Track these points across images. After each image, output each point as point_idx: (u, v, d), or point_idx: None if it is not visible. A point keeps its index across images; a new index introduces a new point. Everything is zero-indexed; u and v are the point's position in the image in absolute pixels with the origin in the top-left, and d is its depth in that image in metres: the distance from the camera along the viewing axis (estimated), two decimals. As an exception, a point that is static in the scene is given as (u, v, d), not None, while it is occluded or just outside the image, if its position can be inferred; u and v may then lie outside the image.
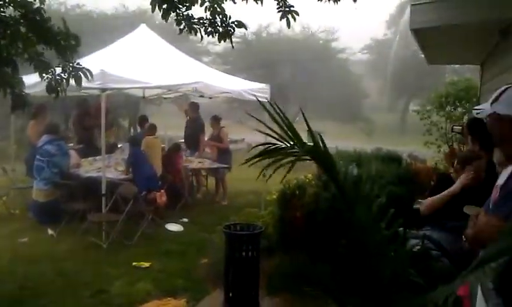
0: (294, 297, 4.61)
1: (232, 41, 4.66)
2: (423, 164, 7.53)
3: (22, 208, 8.21)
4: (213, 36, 4.59)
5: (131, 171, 7.81)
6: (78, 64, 4.53)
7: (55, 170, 7.66)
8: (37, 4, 4.29)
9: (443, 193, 3.82)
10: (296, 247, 5.29)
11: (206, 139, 10.34)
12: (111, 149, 9.10)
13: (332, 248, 2.19)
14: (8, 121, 9.76)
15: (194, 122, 10.29)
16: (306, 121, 2.06)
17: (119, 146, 9.75)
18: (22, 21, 4.23)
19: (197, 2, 4.43)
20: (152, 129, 8.90)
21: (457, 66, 20.61)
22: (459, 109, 8.61)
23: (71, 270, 5.68)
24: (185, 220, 7.98)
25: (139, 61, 8.16)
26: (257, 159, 2.03)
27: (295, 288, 4.61)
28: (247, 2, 4.41)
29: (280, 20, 4.40)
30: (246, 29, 4.90)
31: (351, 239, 2.14)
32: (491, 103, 2.25)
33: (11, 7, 4.25)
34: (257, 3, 4.40)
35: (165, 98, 11.70)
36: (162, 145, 9.62)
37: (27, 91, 4.69)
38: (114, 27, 18.45)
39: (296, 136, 1.95)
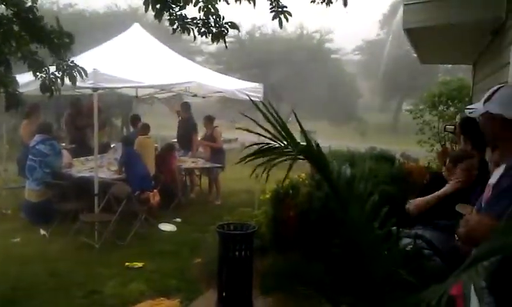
0: (288, 297, 4.62)
1: (225, 42, 4.66)
2: (415, 163, 7.56)
3: (14, 208, 8.16)
4: (206, 37, 4.59)
5: (124, 171, 7.78)
6: (72, 62, 4.51)
7: (47, 170, 7.61)
8: (29, 3, 4.26)
9: (431, 195, 3.85)
10: (289, 246, 5.30)
11: (199, 138, 10.34)
12: (104, 149, 9.06)
13: (325, 247, 2.19)
14: (0, 121, 9.70)
15: (186, 122, 10.28)
16: (298, 121, 2.07)
17: (112, 145, 9.71)
18: (14, 20, 4.21)
19: (191, 2, 4.42)
20: (145, 129, 8.87)
21: (450, 65, 20.73)
22: (452, 109, 8.65)
23: (63, 270, 5.65)
24: (179, 220, 7.97)
25: (132, 60, 8.13)
26: (251, 158, 2.03)
27: (288, 287, 4.62)
28: (240, 2, 4.42)
29: (273, 20, 4.41)
30: (239, 30, 4.92)
31: (344, 238, 2.15)
32: (484, 103, 2.27)
33: (3, 6, 4.23)
34: (250, 3, 4.40)
35: (158, 98, 11.68)
36: (155, 145, 9.60)
37: (20, 90, 4.66)
38: (106, 26, 18.41)
39: (289, 136, 1.96)
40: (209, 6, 4.39)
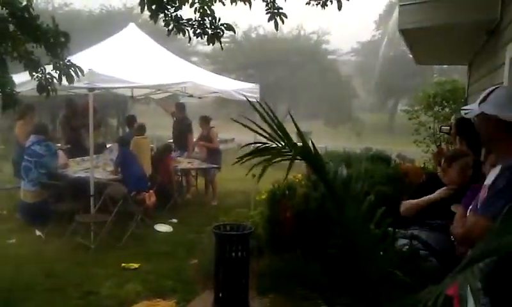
0: (284, 297, 4.61)
1: (220, 43, 4.66)
2: (411, 163, 7.59)
3: (10, 208, 8.13)
4: (202, 38, 4.59)
5: (120, 171, 7.77)
6: (69, 61, 4.50)
7: (43, 171, 7.58)
8: (24, 2, 4.24)
9: (422, 198, 3.85)
10: (286, 247, 5.29)
11: (196, 139, 10.33)
12: (99, 149, 9.04)
13: (322, 248, 2.19)
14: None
15: (181, 123, 10.27)
16: (294, 121, 2.07)
17: (107, 146, 9.69)
18: (10, 19, 4.19)
19: (187, 2, 4.42)
20: (141, 129, 8.85)
21: (445, 66, 20.79)
22: (447, 109, 8.68)
23: (59, 271, 5.63)
24: (175, 220, 7.95)
25: (127, 61, 8.11)
26: (247, 158, 2.03)
27: (285, 288, 4.60)
28: (236, 4, 4.42)
29: (268, 21, 4.41)
30: (234, 32, 4.92)
31: (340, 239, 2.15)
32: (479, 104, 2.28)
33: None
34: (245, 4, 4.40)
35: (153, 98, 11.66)
36: (151, 145, 9.58)
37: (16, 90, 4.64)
38: (101, 26, 18.38)
39: (286, 136, 1.96)
40: (205, 7, 4.39)
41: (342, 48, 34.84)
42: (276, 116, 1.98)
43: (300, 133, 2.00)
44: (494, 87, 2.33)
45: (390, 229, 2.15)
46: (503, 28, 4.54)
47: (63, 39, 4.36)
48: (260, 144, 2.00)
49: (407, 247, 2.89)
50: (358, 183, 2.20)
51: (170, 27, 4.51)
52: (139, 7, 4.39)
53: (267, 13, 4.41)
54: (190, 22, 4.49)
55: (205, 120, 10.06)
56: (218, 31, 4.52)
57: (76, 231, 6.67)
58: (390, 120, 35.91)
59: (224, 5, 4.43)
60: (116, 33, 9.87)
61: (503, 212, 1.45)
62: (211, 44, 4.69)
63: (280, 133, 1.95)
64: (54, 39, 4.32)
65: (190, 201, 9.79)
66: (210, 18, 4.46)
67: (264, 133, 1.99)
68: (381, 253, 2.09)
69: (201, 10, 4.40)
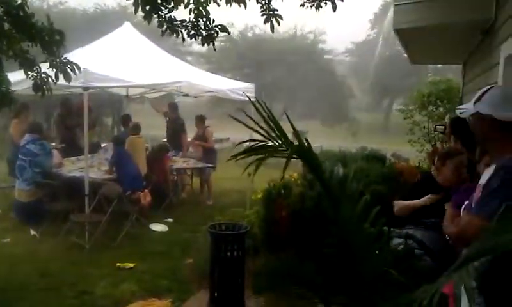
0: (280, 296, 4.61)
1: (214, 45, 4.65)
2: (406, 163, 7.61)
3: (5, 208, 8.08)
4: (196, 39, 4.58)
5: (115, 171, 7.74)
6: (65, 59, 4.48)
7: (37, 170, 7.55)
8: (19, 1, 4.23)
9: (413, 201, 3.86)
10: (282, 246, 5.30)
11: (191, 138, 10.31)
12: (94, 148, 9.01)
13: (317, 247, 2.19)
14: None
15: (174, 122, 10.27)
16: (290, 121, 2.07)
17: (102, 145, 9.66)
18: (5, 17, 4.17)
19: (183, 2, 4.40)
20: (136, 128, 8.83)
21: (440, 65, 20.87)
22: (441, 109, 8.71)
23: (54, 271, 5.61)
24: (170, 220, 7.95)
25: (122, 59, 8.09)
26: (242, 156, 2.02)
27: (280, 287, 4.60)
28: (231, 5, 4.41)
29: (264, 23, 4.41)
30: (228, 33, 4.91)
31: (336, 238, 2.15)
32: (474, 103, 2.28)
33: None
34: (240, 6, 4.40)
35: (148, 97, 11.64)
36: (146, 145, 9.56)
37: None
38: (95, 24, 18.34)
39: (282, 135, 1.96)
40: (200, 8, 4.38)
41: (337, 48, 34.95)
42: (273, 114, 1.98)
43: (296, 133, 2.00)
44: (489, 87, 2.33)
45: (385, 228, 2.15)
46: (497, 28, 4.56)
47: (57, 38, 4.34)
48: (256, 142, 2.00)
49: (402, 246, 2.90)
50: (354, 182, 2.20)
51: (164, 28, 4.49)
52: (133, 7, 4.38)
53: (262, 15, 4.40)
54: (184, 23, 4.48)
55: (200, 119, 10.05)
56: (212, 32, 4.52)
57: (71, 231, 6.65)
58: (385, 120, 36.01)
59: (219, 6, 4.42)
60: (111, 32, 9.84)
61: (499, 210, 1.45)
62: (206, 45, 4.69)
63: (277, 132, 1.95)
64: (49, 38, 4.30)
65: (185, 200, 9.78)
66: (204, 20, 4.45)
67: (261, 131, 1.98)
68: (376, 252, 2.10)
69: (195, 11, 4.39)
